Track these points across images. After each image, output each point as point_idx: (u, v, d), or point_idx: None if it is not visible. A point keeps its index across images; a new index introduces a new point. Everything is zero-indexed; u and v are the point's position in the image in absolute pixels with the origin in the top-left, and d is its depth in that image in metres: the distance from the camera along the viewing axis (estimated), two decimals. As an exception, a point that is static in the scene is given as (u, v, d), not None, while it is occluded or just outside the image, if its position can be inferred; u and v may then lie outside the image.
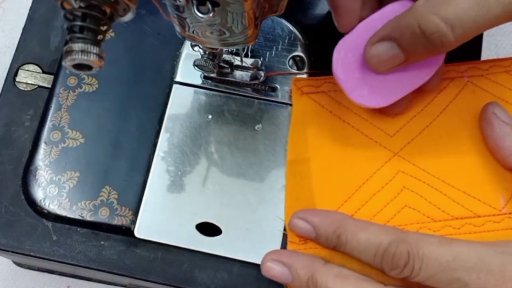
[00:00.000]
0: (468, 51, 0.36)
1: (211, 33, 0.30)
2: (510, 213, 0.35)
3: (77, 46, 0.23)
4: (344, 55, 0.33)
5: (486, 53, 0.45)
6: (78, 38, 0.23)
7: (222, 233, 0.36)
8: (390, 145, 0.37)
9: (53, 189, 0.38)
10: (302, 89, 0.39)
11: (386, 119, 0.37)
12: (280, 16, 0.40)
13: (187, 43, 0.40)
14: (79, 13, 0.23)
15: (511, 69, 0.38)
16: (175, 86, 0.40)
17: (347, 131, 0.37)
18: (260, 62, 0.39)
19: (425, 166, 0.36)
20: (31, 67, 0.41)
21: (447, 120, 0.37)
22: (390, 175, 0.36)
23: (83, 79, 0.40)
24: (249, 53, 0.40)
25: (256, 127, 0.39)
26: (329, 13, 0.41)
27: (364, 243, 0.32)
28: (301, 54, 0.40)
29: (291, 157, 0.37)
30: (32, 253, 0.37)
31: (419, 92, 0.36)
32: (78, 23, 0.23)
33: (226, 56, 0.39)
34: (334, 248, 0.33)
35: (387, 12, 0.33)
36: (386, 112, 0.37)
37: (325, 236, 0.33)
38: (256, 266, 0.35)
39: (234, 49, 0.38)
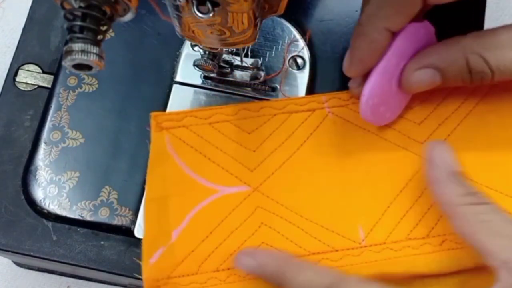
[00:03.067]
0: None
1: (211, 33, 0.30)
2: (370, 245, 0.34)
3: (77, 46, 0.23)
4: (372, 102, 0.34)
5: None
6: (78, 38, 0.23)
7: (222, 233, 0.36)
8: (250, 181, 0.35)
9: (53, 189, 0.38)
10: (161, 125, 0.36)
11: (247, 153, 0.36)
12: (280, 16, 0.40)
13: (187, 43, 0.40)
14: (79, 13, 0.23)
15: None
16: (175, 86, 0.40)
17: (209, 166, 0.35)
18: (260, 62, 0.39)
19: (284, 201, 0.35)
20: (31, 67, 0.41)
21: (306, 153, 0.36)
22: (249, 211, 0.35)
23: (83, 79, 0.40)
24: (249, 53, 0.40)
25: (256, 127, 0.39)
26: (329, 13, 0.42)
27: (306, 285, 0.30)
28: (301, 54, 0.40)
29: (150, 195, 0.35)
30: (32, 253, 0.37)
31: (279, 126, 0.36)
32: (78, 23, 0.23)
33: (226, 56, 0.39)
34: (279, 286, 0.32)
35: (402, 49, 0.33)
36: (248, 146, 0.36)
37: (270, 274, 0.32)
38: (256, 266, 0.35)
39: (234, 49, 0.38)
